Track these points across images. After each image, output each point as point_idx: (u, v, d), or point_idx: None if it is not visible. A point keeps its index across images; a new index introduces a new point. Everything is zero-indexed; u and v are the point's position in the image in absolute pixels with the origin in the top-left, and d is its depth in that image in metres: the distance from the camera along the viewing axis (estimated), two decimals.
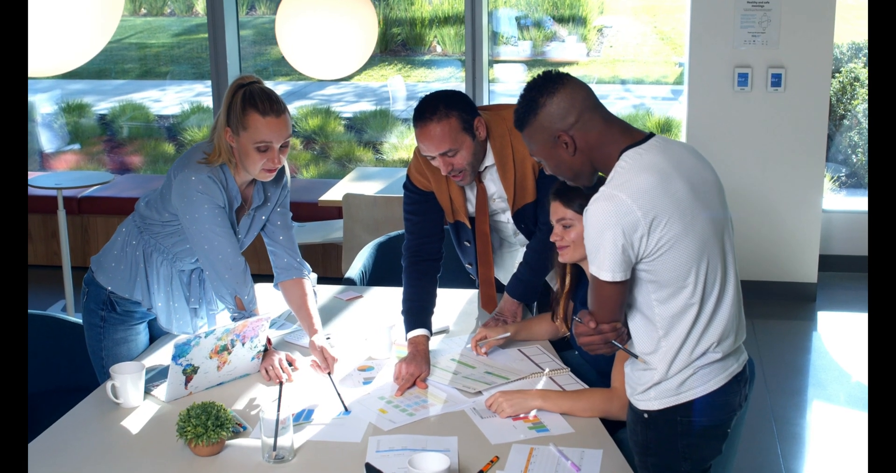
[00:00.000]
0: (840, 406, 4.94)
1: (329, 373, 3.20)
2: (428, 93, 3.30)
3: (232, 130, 3.14)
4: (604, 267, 2.48)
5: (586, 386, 3.10)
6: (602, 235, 2.46)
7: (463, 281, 3.98)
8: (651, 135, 2.58)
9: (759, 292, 6.17)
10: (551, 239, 3.02)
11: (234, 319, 3.24)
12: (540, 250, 3.47)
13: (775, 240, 6.15)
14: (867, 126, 7.20)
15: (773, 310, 6.05)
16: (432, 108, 3.21)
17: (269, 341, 3.24)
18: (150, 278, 3.31)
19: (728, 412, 2.68)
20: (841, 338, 5.73)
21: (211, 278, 3.24)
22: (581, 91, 2.57)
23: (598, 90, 2.60)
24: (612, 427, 2.92)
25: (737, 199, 6.06)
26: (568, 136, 2.55)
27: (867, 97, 7.25)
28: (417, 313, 3.37)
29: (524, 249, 3.63)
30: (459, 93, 3.30)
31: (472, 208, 3.52)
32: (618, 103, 8.73)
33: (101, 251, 3.40)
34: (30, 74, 1.84)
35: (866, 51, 7.54)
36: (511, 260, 3.74)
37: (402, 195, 3.55)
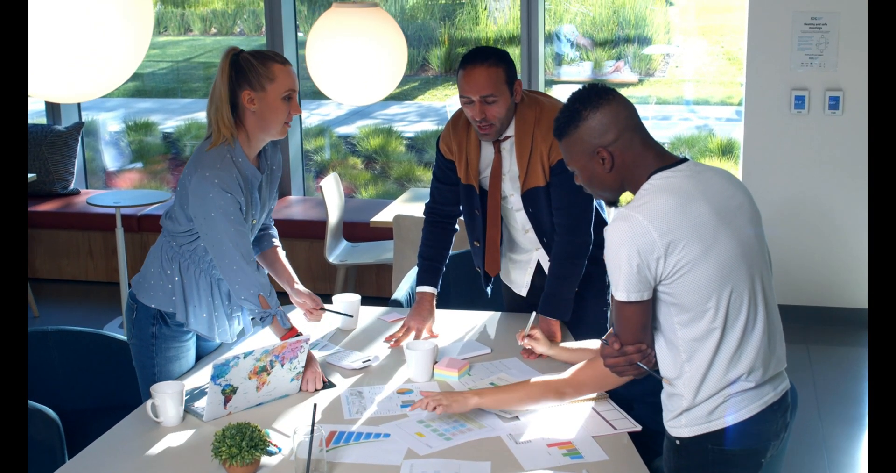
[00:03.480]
0: None
1: (322, 308, 3.62)
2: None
3: (253, 89, 3.20)
4: (619, 287, 2.50)
5: (627, 415, 3.08)
6: (618, 254, 2.48)
7: (497, 304, 4.00)
8: (684, 160, 2.59)
9: (814, 318, 6.08)
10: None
11: (262, 319, 3.29)
12: (563, 256, 3.56)
13: (833, 265, 6.06)
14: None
15: (829, 336, 5.96)
16: (485, 55, 3.46)
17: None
18: (188, 291, 3.35)
19: (763, 442, 2.65)
20: None
21: (229, 281, 3.26)
22: (625, 110, 2.59)
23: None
24: (649, 455, 2.90)
25: (793, 222, 5.99)
26: (607, 152, 2.57)
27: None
28: (428, 270, 3.80)
29: (533, 260, 3.74)
30: (507, 52, 3.53)
31: (485, 184, 3.68)
32: (681, 124, 8.68)
33: (140, 272, 3.44)
34: (61, 100, 1.88)
35: None
36: (520, 271, 3.81)
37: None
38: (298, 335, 3.28)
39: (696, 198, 2.52)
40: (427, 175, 8.81)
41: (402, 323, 3.70)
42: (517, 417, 3.05)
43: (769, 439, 2.66)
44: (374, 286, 6.57)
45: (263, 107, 3.22)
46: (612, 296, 2.55)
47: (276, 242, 3.68)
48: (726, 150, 8.20)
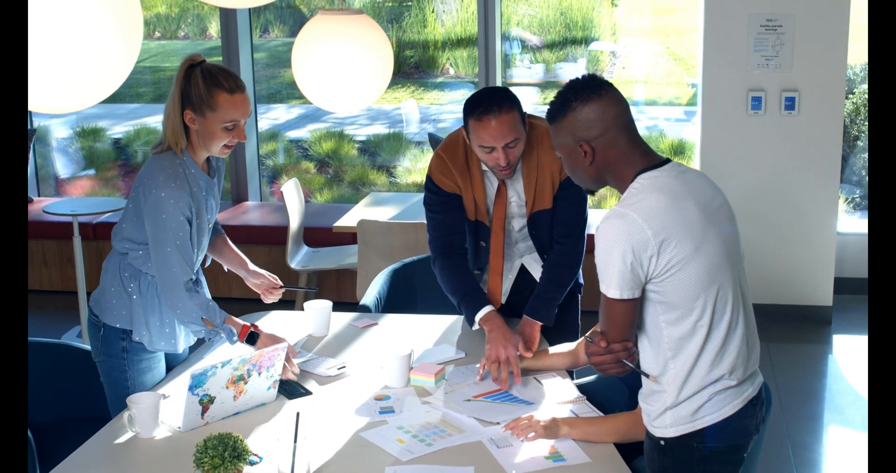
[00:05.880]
0: (857, 431, 4.91)
1: (281, 286, 3.62)
2: (479, 90, 3.45)
3: (194, 111, 3.16)
4: (612, 285, 2.51)
5: (602, 415, 3.10)
6: (611, 252, 2.49)
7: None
8: (668, 160, 2.61)
9: (774, 315, 6.15)
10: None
11: (209, 339, 3.27)
12: (563, 265, 3.57)
13: (790, 263, 6.13)
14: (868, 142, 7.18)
15: (789, 334, 6.03)
16: (499, 100, 3.33)
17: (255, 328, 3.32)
18: (148, 309, 3.30)
19: (744, 437, 2.70)
20: (857, 362, 5.69)
21: (171, 304, 3.23)
22: (614, 107, 2.60)
23: None
24: (629, 455, 2.91)
25: (751, 222, 6.05)
26: (588, 146, 2.58)
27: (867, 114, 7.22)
28: (473, 295, 3.52)
29: (516, 267, 3.74)
30: (508, 88, 3.45)
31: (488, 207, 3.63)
32: None
33: (97, 292, 3.40)
34: (52, 111, 1.85)
35: None
36: (507, 273, 3.78)
37: (423, 196, 3.68)
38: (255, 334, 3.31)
39: (685, 197, 2.55)
40: (381, 179, 8.79)
41: (487, 354, 3.33)
42: (498, 423, 3.05)
43: (750, 434, 2.70)
44: (335, 292, 6.54)
45: (202, 130, 3.19)
46: (602, 294, 2.56)
47: (221, 230, 3.68)
48: (678, 150, 8.27)
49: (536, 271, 3.73)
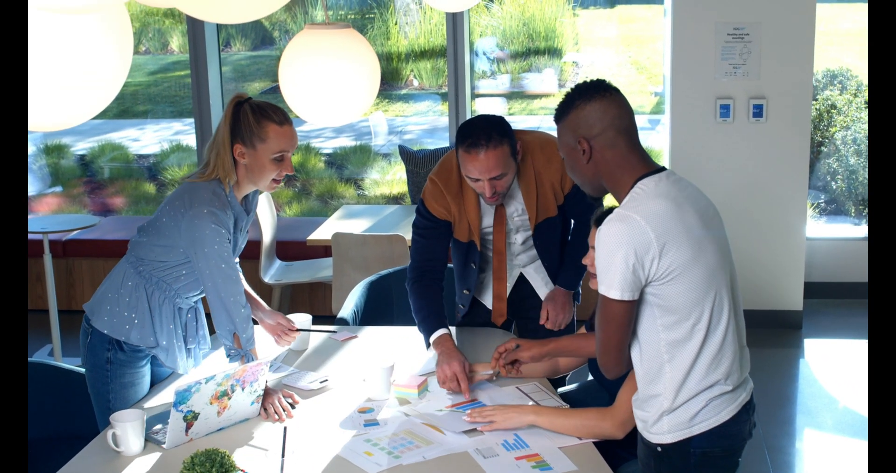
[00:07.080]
0: (830, 433, 4.96)
1: (297, 329, 3.64)
2: (473, 118, 3.45)
3: (245, 144, 3.18)
4: (613, 286, 2.53)
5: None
6: (614, 254, 2.51)
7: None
8: (663, 168, 2.64)
9: (745, 320, 6.19)
10: (583, 262, 3.07)
11: (228, 356, 3.27)
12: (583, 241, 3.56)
13: (760, 268, 6.19)
14: (867, 141, 7.26)
15: (760, 338, 6.07)
16: (487, 134, 3.32)
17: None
18: (154, 317, 3.30)
19: (739, 442, 2.73)
20: (828, 365, 5.76)
21: (215, 314, 3.25)
22: (615, 109, 2.64)
23: None
24: (616, 463, 2.93)
25: None
26: (587, 143, 2.61)
27: (866, 112, 7.31)
28: (433, 319, 3.53)
29: (515, 276, 3.79)
30: (503, 118, 3.43)
31: (483, 230, 3.66)
32: None
33: (95, 297, 3.38)
34: (46, 129, 1.85)
35: (841, 78, 7.62)
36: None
37: (414, 217, 3.69)
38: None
39: (685, 204, 2.58)
40: (349, 192, 8.78)
41: (437, 376, 3.37)
42: (476, 429, 3.06)
43: (744, 438, 2.74)
44: (308, 305, 6.53)
45: (252, 163, 3.21)
46: (601, 295, 2.56)
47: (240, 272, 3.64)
48: None
49: (535, 281, 3.79)
